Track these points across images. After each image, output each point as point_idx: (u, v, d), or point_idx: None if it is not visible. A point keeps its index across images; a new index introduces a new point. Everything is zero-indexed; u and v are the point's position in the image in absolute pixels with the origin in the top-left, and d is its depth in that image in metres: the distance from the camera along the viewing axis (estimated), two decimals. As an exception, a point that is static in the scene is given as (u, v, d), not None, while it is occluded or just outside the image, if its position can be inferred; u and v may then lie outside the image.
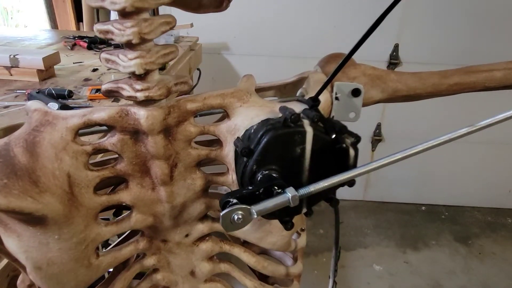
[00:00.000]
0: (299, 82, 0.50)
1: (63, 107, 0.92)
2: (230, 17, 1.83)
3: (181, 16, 1.94)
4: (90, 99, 1.00)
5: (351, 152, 0.39)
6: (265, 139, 0.36)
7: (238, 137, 0.40)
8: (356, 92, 0.47)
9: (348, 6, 1.79)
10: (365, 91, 0.48)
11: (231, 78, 1.97)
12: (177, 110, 0.39)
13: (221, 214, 0.33)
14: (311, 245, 1.95)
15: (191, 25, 1.60)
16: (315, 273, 1.78)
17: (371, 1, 1.77)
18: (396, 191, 2.27)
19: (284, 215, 0.41)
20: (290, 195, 0.34)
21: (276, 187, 0.36)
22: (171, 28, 0.37)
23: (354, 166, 0.40)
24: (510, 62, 0.51)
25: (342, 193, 2.29)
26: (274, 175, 0.37)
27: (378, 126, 2.07)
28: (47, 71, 1.12)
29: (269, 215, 0.41)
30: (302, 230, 0.53)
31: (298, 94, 0.50)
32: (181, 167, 0.42)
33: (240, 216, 0.33)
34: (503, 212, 2.24)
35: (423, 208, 2.27)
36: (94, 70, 1.19)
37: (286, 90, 0.50)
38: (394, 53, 1.86)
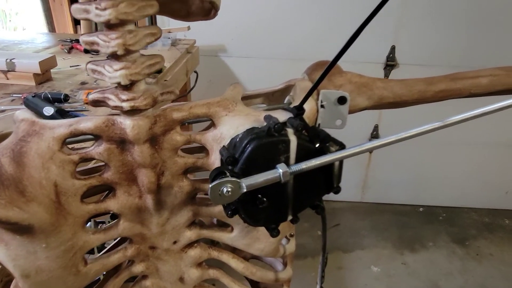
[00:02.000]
0: (287, 89, 0.50)
1: (59, 111, 0.92)
2: (228, 20, 1.83)
3: (173, 20, 1.93)
4: (86, 103, 1.01)
5: None
6: (249, 148, 0.37)
7: (224, 146, 0.40)
8: (342, 100, 0.47)
9: (344, 9, 1.79)
10: (351, 99, 0.48)
11: (228, 80, 1.98)
12: (163, 119, 0.40)
13: (210, 185, 0.34)
14: (308, 247, 1.95)
15: (188, 28, 1.60)
16: (312, 275, 1.79)
17: (367, 3, 1.78)
18: (394, 193, 2.28)
19: (270, 222, 0.41)
20: (281, 170, 0.35)
21: (259, 195, 0.37)
22: (156, 39, 0.38)
23: (339, 174, 0.40)
24: (496, 69, 0.52)
25: (340, 195, 2.28)
26: None
27: (376, 127, 2.08)
28: (43, 75, 1.12)
29: (255, 222, 0.41)
30: (291, 235, 0.53)
31: (285, 101, 0.50)
32: (168, 175, 0.42)
33: (229, 189, 0.34)
34: (500, 213, 2.24)
35: (421, 209, 2.27)
36: (90, 73, 1.20)
37: (274, 98, 0.51)
38: (391, 55, 1.86)
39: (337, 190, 0.42)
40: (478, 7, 1.78)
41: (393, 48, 1.85)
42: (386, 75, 1.92)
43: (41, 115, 0.74)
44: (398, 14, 1.78)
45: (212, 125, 0.42)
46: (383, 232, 2.09)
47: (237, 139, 0.39)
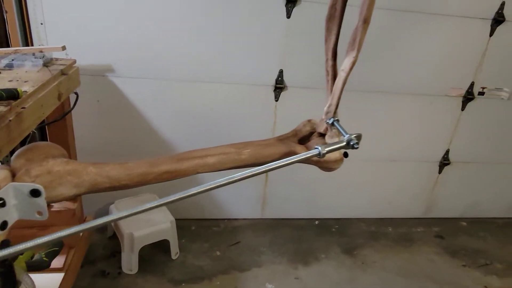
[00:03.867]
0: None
1: None
2: (114, 40, 1.76)
3: (54, 38, 1.81)
4: None
5: None
6: None
7: None
8: (35, 193, 0.45)
9: (232, 33, 1.83)
10: (51, 189, 0.46)
11: (118, 101, 1.90)
12: None
13: None
14: (205, 269, 1.93)
15: (63, 47, 1.50)
16: (207, 298, 1.77)
17: (252, 27, 1.84)
18: (292, 207, 2.37)
19: None
20: None
21: None
22: None
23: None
24: (227, 146, 0.55)
25: (240, 212, 2.32)
26: None
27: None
28: None
29: None
30: None
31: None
32: None
33: None
34: (385, 222, 2.46)
35: (316, 222, 2.40)
36: None
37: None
38: (280, 78, 1.95)
39: None
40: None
41: (281, 72, 1.94)
42: (276, 97, 2.00)
43: None
44: (284, 39, 1.88)
45: None
46: (280, 248, 2.15)
47: None
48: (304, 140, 0.72)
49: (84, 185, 0.45)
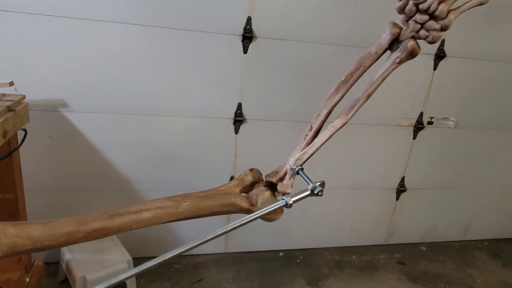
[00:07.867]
0: None
1: None
2: (66, 74, 1.72)
3: (2, 73, 1.74)
4: None
5: None
6: None
7: None
8: None
9: (190, 67, 1.85)
10: None
11: (72, 135, 1.83)
12: None
13: None
14: (166, 310, 1.84)
15: (11, 83, 1.45)
16: None
17: (210, 62, 1.87)
18: (256, 240, 2.34)
19: None
20: None
21: None
22: None
23: None
24: (165, 200, 0.54)
25: (203, 248, 2.25)
26: None
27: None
28: None
29: None
30: None
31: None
32: None
33: None
34: (348, 250, 2.48)
35: (281, 254, 2.37)
36: None
37: None
38: (239, 111, 1.98)
39: None
40: (305, 70, 2.02)
41: (240, 105, 1.97)
42: (236, 130, 2.01)
43: None
44: (241, 74, 1.92)
45: None
46: (244, 283, 2.10)
47: None
48: (246, 189, 0.72)
49: (1, 249, 0.41)
